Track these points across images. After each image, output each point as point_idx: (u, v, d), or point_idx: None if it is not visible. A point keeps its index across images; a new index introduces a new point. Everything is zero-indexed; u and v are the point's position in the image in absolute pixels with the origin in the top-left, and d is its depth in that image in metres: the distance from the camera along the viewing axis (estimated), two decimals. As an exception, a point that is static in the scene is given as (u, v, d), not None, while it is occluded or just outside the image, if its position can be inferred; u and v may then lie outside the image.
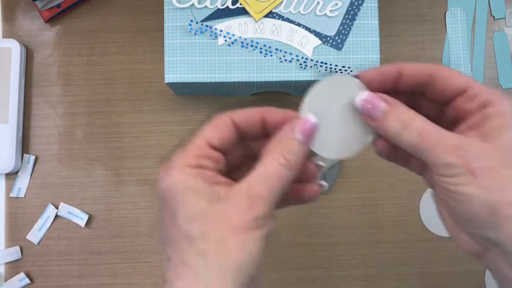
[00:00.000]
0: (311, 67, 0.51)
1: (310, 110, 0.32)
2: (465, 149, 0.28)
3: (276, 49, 0.51)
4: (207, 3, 0.51)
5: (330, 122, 0.33)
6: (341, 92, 0.33)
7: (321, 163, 0.34)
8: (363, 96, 0.31)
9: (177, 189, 0.28)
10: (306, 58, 0.51)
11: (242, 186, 0.29)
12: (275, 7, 0.51)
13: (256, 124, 0.32)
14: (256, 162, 0.30)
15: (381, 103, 0.30)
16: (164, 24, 0.51)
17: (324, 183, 0.34)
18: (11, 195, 0.58)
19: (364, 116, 0.31)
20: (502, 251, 0.29)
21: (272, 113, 0.32)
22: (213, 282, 0.27)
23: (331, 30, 0.51)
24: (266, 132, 0.32)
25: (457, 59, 0.60)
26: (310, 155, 0.32)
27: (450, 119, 0.32)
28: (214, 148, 0.30)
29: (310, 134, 0.31)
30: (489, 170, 0.28)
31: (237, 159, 0.32)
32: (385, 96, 0.31)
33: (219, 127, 0.31)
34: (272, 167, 0.29)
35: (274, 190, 0.29)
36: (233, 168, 0.33)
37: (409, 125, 0.29)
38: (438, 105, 0.32)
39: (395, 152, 0.33)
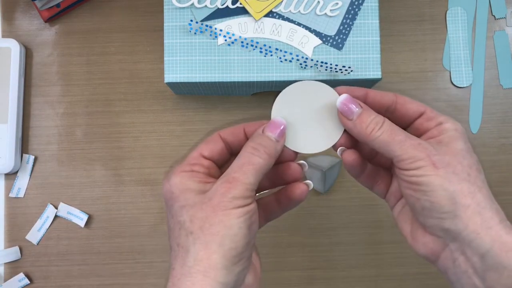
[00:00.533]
0: (311, 67, 0.51)
1: (280, 112, 0.37)
2: (427, 147, 0.33)
3: (276, 49, 0.51)
4: (207, 3, 0.51)
5: (301, 121, 0.38)
6: (311, 95, 0.37)
7: (303, 162, 0.39)
8: (343, 97, 0.36)
9: (173, 188, 0.34)
10: (306, 58, 0.51)
11: (222, 177, 0.34)
12: (275, 7, 0.51)
13: (239, 136, 0.37)
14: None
15: (357, 105, 0.36)
16: (164, 24, 0.51)
17: (309, 182, 0.38)
18: (11, 195, 0.58)
19: (341, 115, 0.36)
20: (459, 246, 0.32)
21: (251, 125, 0.37)
22: (200, 254, 0.31)
23: (331, 29, 0.51)
24: None
25: (458, 58, 0.60)
26: (292, 153, 0.38)
27: None
28: (205, 157, 0.36)
29: (277, 131, 0.36)
30: (447, 164, 0.32)
31: None
32: (359, 101, 0.36)
33: (209, 142, 0.37)
34: (244, 156, 0.34)
35: (249, 174, 0.33)
36: None
37: (381, 125, 0.34)
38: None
39: (363, 168, 0.38)
